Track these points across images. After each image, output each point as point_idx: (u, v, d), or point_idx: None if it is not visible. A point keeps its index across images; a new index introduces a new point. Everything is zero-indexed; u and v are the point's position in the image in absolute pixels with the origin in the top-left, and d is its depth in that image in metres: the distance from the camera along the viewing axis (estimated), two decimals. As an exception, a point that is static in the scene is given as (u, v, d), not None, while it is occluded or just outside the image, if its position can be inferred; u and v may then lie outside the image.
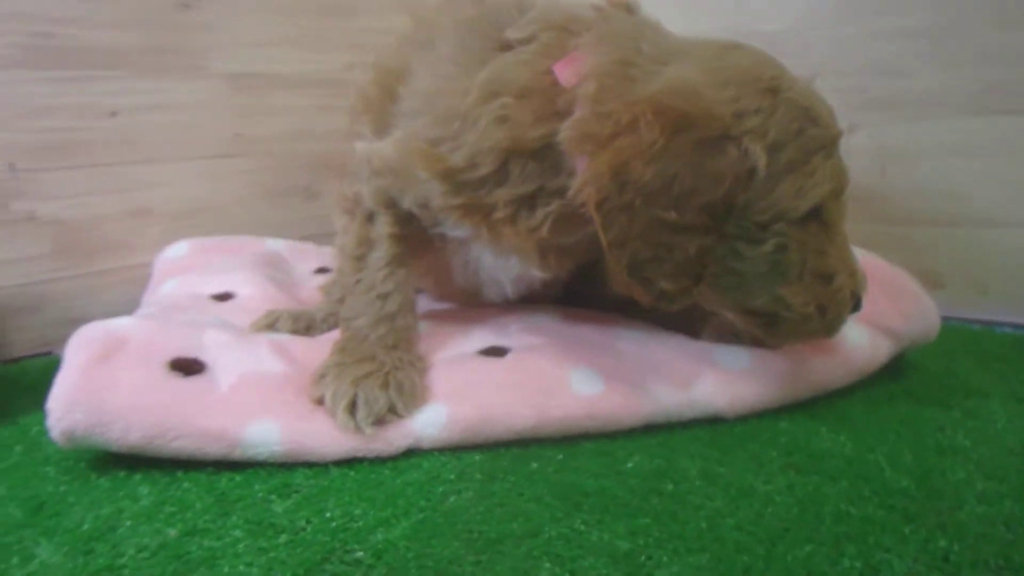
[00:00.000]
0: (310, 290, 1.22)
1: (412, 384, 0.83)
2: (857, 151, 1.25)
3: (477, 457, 0.79)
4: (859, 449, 0.77)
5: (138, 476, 0.76)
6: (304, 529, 0.67)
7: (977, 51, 1.13)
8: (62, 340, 1.22)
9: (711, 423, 0.85)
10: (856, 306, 0.81)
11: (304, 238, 1.51)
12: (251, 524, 0.68)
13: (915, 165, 1.22)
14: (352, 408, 0.79)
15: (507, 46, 0.82)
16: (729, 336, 0.93)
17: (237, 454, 0.76)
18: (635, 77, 0.76)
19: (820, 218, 0.77)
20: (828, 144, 0.76)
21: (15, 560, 0.63)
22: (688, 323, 0.96)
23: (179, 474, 0.77)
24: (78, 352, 0.79)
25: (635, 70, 0.76)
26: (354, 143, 0.96)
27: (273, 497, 0.72)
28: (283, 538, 0.65)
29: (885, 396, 0.89)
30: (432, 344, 0.94)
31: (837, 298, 0.79)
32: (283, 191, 1.52)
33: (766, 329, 0.81)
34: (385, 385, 0.81)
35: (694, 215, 0.71)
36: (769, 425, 0.83)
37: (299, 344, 0.92)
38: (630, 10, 0.85)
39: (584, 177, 0.74)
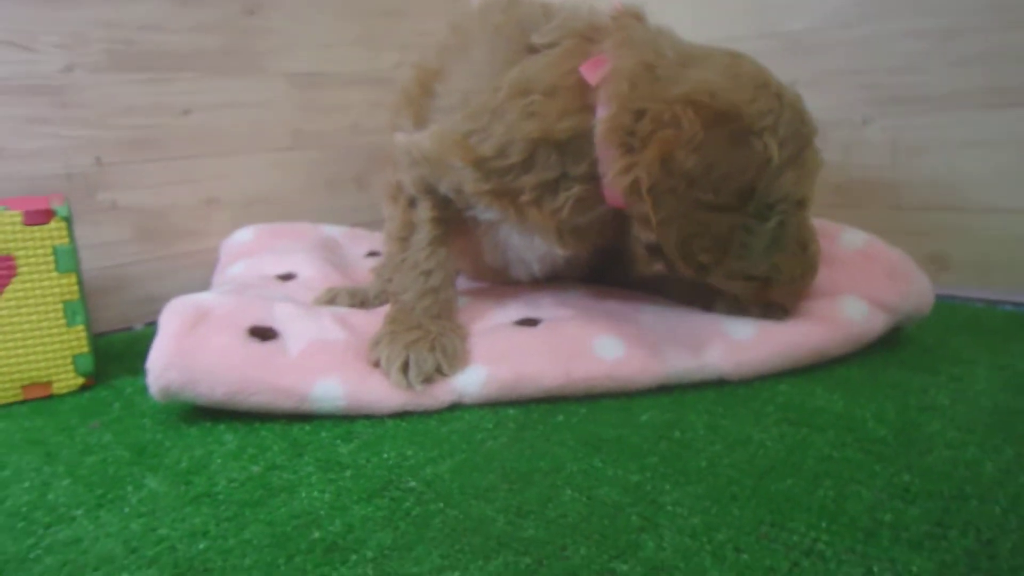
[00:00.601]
0: (362, 271, 1.35)
1: (455, 348, 0.95)
2: (871, 143, 1.34)
3: (511, 411, 0.91)
4: (849, 407, 0.86)
5: (222, 426, 0.89)
6: (365, 466, 0.79)
7: (985, 50, 1.21)
8: (141, 317, 1.38)
9: (718, 385, 0.95)
10: None
11: (356, 224, 1.64)
12: (321, 462, 0.80)
13: (925, 156, 1.30)
14: (404, 368, 0.91)
15: (533, 49, 0.93)
16: (738, 309, 1.04)
17: (306, 407, 0.89)
18: (661, 77, 0.87)
19: (802, 199, 0.91)
20: (811, 140, 0.91)
21: (129, 488, 0.76)
22: (703, 297, 1.07)
23: (257, 424, 0.89)
24: (171, 321, 0.92)
25: (660, 71, 0.88)
26: (395, 135, 1.07)
27: (338, 442, 0.85)
28: (348, 472, 0.78)
29: (881, 364, 0.97)
30: (471, 315, 1.06)
31: (812, 262, 0.96)
32: (337, 181, 1.65)
33: (761, 291, 0.96)
34: (432, 348, 0.93)
35: (727, 197, 0.84)
36: (770, 387, 0.93)
37: (357, 316, 1.04)
38: (638, 18, 0.95)
39: (624, 164, 0.85)
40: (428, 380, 0.91)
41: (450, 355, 0.94)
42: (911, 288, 1.05)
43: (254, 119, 1.50)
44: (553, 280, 1.20)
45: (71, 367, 1.03)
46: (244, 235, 1.43)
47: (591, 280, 1.22)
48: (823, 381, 0.94)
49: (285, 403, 0.88)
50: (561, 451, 0.80)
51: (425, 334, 0.95)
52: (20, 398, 1.01)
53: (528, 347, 0.96)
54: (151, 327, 1.34)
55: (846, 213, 1.37)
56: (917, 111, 1.30)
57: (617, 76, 0.87)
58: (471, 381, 0.92)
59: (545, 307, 1.08)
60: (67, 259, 1.02)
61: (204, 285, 1.41)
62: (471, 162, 0.93)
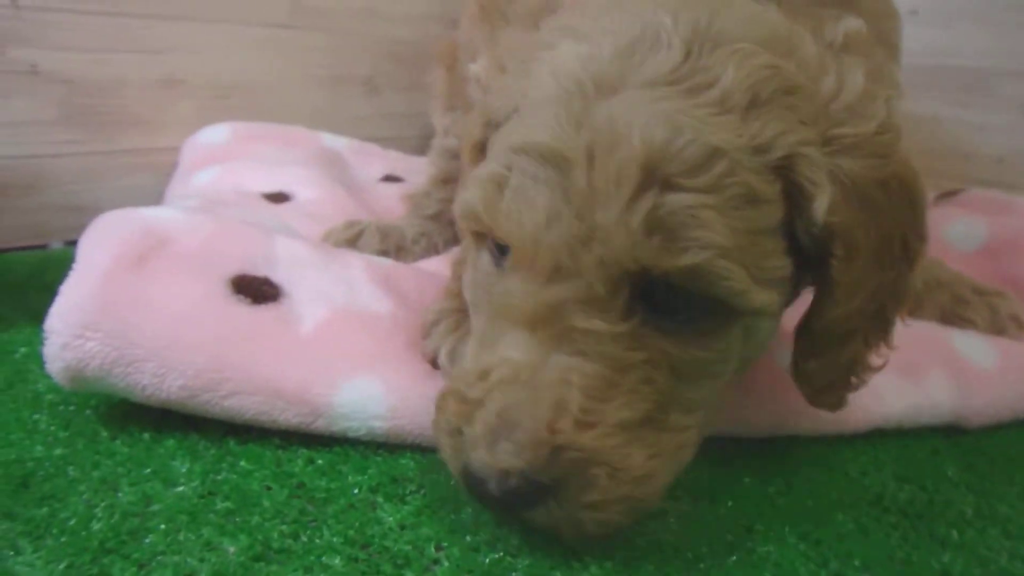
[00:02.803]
0: (382, 201, 0.96)
1: None
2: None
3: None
4: None
5: (170, 442, 0.52)
6: (438, 562, 0.43)
7: None
8: (60, 232, 0.98)
9: (949, 434, 0.62)
10: None
11: (363, 139, 1.24)
12: (351, 545, 0.43)
13: None
14: None
15: None
16: (959, 319, 0.71)
17: (319, 425, 0.52)
18: None
19: None
20: None
21: (-20, 581, 0.39)
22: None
23: (231, 444, 0.52)
24: (101, 248, 0.53)
25: None
26: (470, 66, 0.71)
27: (380, 499, 0.48)
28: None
29: None
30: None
31: None
32: (341, 79, 1.25)
33: None
34: None
35: None
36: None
37: (407, 274, 0.66)
38: None
39: None
40: None
41: None
42: None
43: (242, -23, 1.09)
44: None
45: (-71, 305, 0.64)
46: (216, 134, 1.04)
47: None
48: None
49: (285, 414, 0.51)
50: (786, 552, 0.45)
51: None
52: None
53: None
54: (73, 248, 0.94)
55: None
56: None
57: None
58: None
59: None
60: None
61: (154, 197, 1.01)
62: None
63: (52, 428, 0.53)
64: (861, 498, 0.53)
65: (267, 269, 0.58)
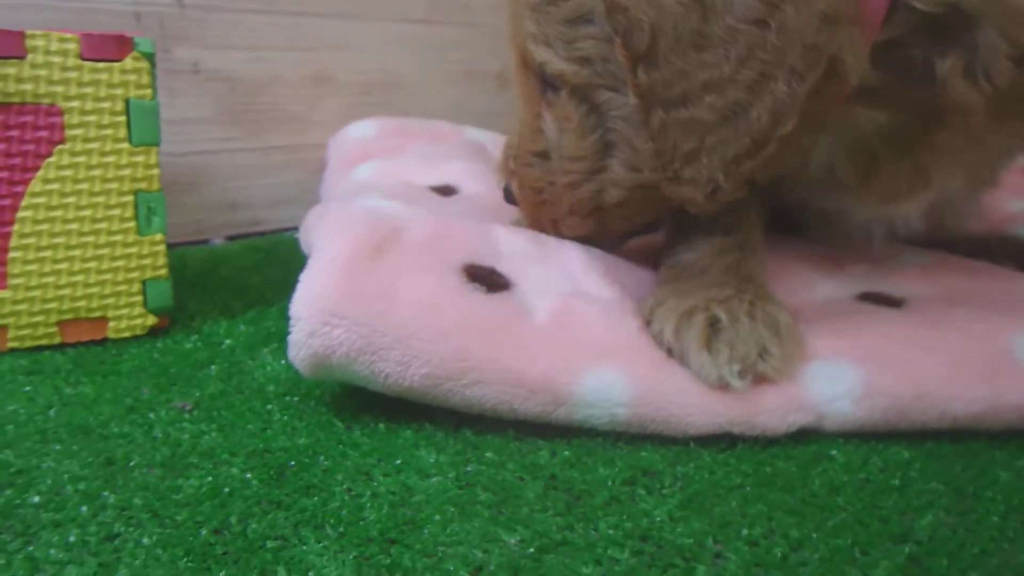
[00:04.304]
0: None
1: (790, 326, 0.56)
2: None
3: (906, 454, 0.53)
4: None
5: (407, 432, 0.51)
6: (720, 556, 0.41)
7: None
8: (217, 228, 0.99)
9: None
10: None
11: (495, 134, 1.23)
12: (631, 537, 0.41)
13: None
14: (708, 343, 0.52)
15: None
16: None
17: (560, 414, 0.50)
18: None
19: None
20: None
21: (281, 571, 0.38)
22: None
23: (468, 435, 0.51)
24: (338, 239, 0.52)
25: None
26: None
27: (640, 491, 0.46)
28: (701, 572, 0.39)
29: None
30: (777, 279, 0.67)
31: None
32: (474, 74, 1.24)
33: None
34: (752, 314, 0.54)
35: None
36: None
37: (625, 265, 0.64)
38: None
39: None
40: (749, 371, 0.52)
41: (784, 334, 0.55)
42: None
43: (384, -29, 1.09)
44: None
45: (139, 298, 0.64)
46: (363, 130, 1.04)
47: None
48: None
49: (527, 404, 0.50)
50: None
51: (736, 292, 0.56)
52: (54, 341, 0.62)
53: (908, 341, 0.57)
54: (236, 244, 0.96)
55: None
56: None
57: None
58: (840, 391, 0.53)
59: (891, 277, 0.68)
60: (147, 123, 0.62)
61: (305, 194, 1.02)
62: None
63: (286, 418, 0.52)
64: None
65: (492, 260, 0.56)
